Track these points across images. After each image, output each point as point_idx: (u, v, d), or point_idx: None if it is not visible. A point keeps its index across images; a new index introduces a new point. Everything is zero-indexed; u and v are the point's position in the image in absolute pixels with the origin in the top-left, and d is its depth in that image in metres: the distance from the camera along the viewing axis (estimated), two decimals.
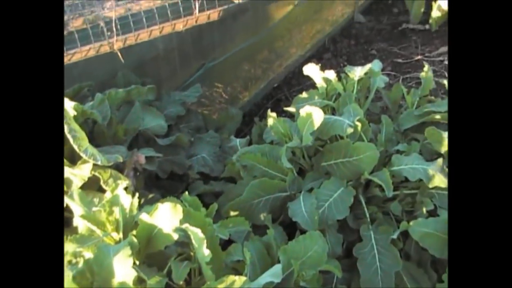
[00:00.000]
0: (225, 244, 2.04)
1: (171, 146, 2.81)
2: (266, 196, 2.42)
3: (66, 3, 3.02)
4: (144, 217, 1.79)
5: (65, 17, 2.96)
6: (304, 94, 3.03)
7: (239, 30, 3.72)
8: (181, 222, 1.77)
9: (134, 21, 2.93)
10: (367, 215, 2.37)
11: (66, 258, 1.75)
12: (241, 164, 2.58)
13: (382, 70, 4.45)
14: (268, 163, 2.53)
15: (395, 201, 2.42)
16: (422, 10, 5.09)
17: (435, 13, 4.86)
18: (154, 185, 2.69)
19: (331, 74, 2.95)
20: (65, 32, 2.85)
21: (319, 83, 2.98)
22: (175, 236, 1.77)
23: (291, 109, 2.99)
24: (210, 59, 3.57)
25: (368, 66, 2.95)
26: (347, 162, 2.42)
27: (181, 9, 3.09)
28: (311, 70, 3.03)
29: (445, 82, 3.15)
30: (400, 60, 4.75)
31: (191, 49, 3.44)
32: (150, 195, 2.47)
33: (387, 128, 2.73)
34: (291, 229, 2.37)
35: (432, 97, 3.13)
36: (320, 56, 4.74)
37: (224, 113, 3.53)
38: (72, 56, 2.79)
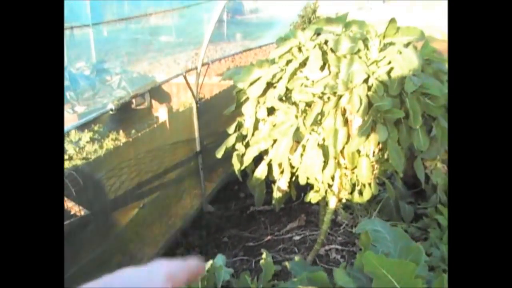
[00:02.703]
0: None
1: None
2: None
3: None
4: None
5: None
6: None
7: (88, 240, 3.76)
8: None
9: None
10: None
11: None
12: None
13: (235, 256, 4.64)
14: None
15: None
16: (264, 191, 5.45)
17: (276, 194, 5.23)
18: None
19: None
20: None
21: None
22: None
23: None
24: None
25: (209, 263, 3.09)
26: None
27: None
28: None
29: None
30: (251, 243, 4.96)
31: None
32: None
33: None
34: None
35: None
36: (173, 252, 4.85)
37: None
38: None
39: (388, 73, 3.23)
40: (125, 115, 5.12)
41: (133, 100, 7.50)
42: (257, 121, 3.95)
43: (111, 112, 3.86)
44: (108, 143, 5.37)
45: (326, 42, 3.49)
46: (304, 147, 3.56)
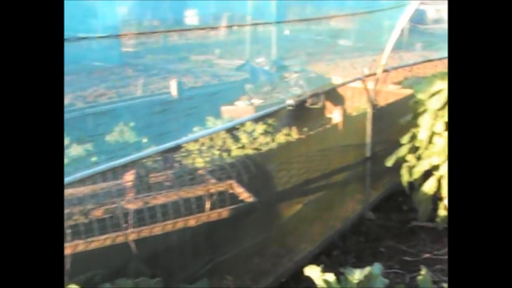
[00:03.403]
0: None
1: None
2: None
3: (89, 193, 3.30)
4: None
5: (89, 207, 3.23)
6: None
7: (250, 227, 3.93)
8: None
9: (150, 215, 3.16)
10: None
11: None
12: None
13: (390, 268, 4.55)
14: None
15: None
16: (430, 207, 5.27)
17: (442, 212, 5.04)
18: None
19: (330, 277, 3.07)
20: (86, 221, 3.09)
21: (320, 284, 3.09)
22: None
23: None
24: (221, 253, 3.75)
25: (367, 269, 3.07)
26: None
27: (194, 206, 3.33)
28: (312, 272, 3.16)
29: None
30: (408, 258, 4.84)
31: (203, 243, 3.64)
32: None
33: None
34: None
35: None
36: (329, 253, 4.87)
37: None
38: (89, 244, 2.99)
39: None
40: (299, 112, 5.23)
41: (308, 100, 7.63)
42: (432, 134, 3.84)
43: (289, 108, 3.98)
44: (280, 138, 5.52)
45: None
46: None
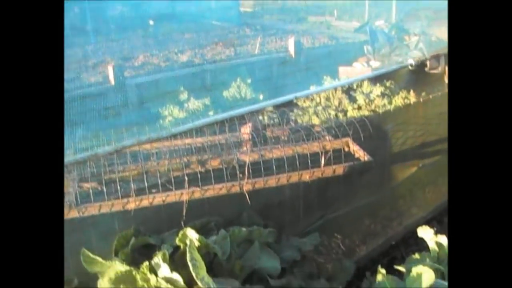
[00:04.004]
0: None
1: None
2: None
3: (207, 143, 3.42)
4: None
5: (205, 156, 3.35)
6: (417, 255, 3.09)
7: (363, 186, 3.91)
8: None
9: (264, 167, 3.22)
10: None
11: None
12: None
13: None
14: None
15: None
16: None
17: None
18: None
19: (443, 239, 3.00)
20: (203, 170, 3.22)
21: (432, 246, 3.04)
22: None
23: (402, 268, 3.05)
24: (332, 210, 3.78)
25: None
26: None
27: (309, 161, 3.36)
28: (425, 233, 3.11)
29: None
30: None
31: (316, 199, 3.67)
32: None
33: None
34: None
35: None
36: (440, 219, 4.75)
37: (338, 264, 3.64)
38: (206, 191, 3.11)
39: None
40: (418, 76, 5.07)
41: (428, 63, 7.37)
42: None
43: (410, 68, 3.87)
44: (397, 100, 5.39)
45: None
46: None
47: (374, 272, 3.82)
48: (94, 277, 2.66)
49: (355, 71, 7.07)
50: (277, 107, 3.95)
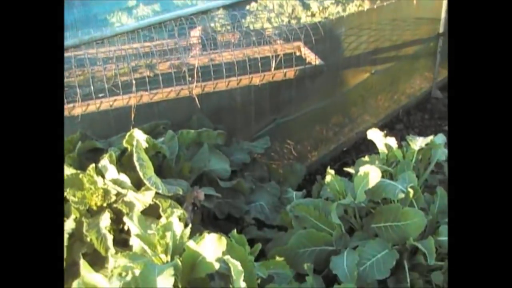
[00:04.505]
0: (265, 284, 2.16)
1: (232, 189, 2.97)
2: (312, 247, 2.52)
3: (156, 48, 3.31)
4: (191, 244, 1.94)
5: (154, 60, 3.25)
6: (366, 158, 3.13)
7: (314, 91, 3.89)
8: (224, 254, 1.91)
9: (214, 71, 3.15)
10: (408, 281, 2.41)
11: (117, 271, 1.92)
12: (294, 214, 2.69)
13: None
14: (319, 216, 2.63)
15: (438, 271, 2.45)
16: None
17: None
18: (210, 223, 2.84)
19: (392, 142, 3.03)
20: (151, 74, 3.13)
21: (381, 149, 3.07)
22: (217, 266, 1.90)
23: (351, 170, 3.09)
24: (283, 115, 3.76)
25: (429, 138, 3.01)
26: (395, 226, 2.48)
27: (259, 64, 3.29)
28: (375, 135, 3.14)
29: None
30: None
31: (267, 104, 3.64)
32: (205, 232, 2.63)
33: (441, 200, 2.76)
34: (332, 283, 2.43)
35: None
36: (392, 126, 4.82)
37: (288, 168, 3.67)
38: (154, 95, 3.03)
39: None
40: None
41: None
42: None
43: None
44: (352, 8, 5.30)
45: None
46: None
47: (325, 177, 3.90)
48: None
49: None
50: (227, 9, 3.84)
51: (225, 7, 3.91)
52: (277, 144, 3.81)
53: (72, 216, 2.43)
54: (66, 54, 2.99)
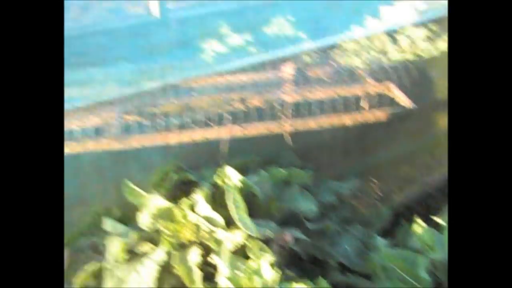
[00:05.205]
0: None
1: (318, 231, 2.96)
2: None
3: (245, 81, 3.36)
4: None
5: (246, 94, 3.30)
6: None
7: (404, 133, 3.84)
8: None
9: (306, 109, 3.16)
10: None
11: None
12: (381, 263, 2.65)
13: None
14: (407, 269, 2.57)
15: None
16: None
17: None
18: (294, 264, 2.84)
19: None
20: (243, 107, 3.18)
21: None
22: None
23: (439, 220, 3.01)
24: (371, 156, 3.73)
25: None
26: None
27: (350, 103, 3.28)
28: None
29: None
30: None
31: (355, 144, 3.63)
32: (290, 273, 2.63)
33: None
34: None
35: None
36: None
37: (374, 210, 3.62)
38: (246, 130, 3.08)
39: None
40: None
41: None
42: None
43: None
44: (443, 45, 5.21)
45: None
46: None
47: (410, 220, 3.81)
48: (133, 209, 2.70)
49: (397, 10, 6.83)
50: (318, 48, 3.85)
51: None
52: (363, 184, 3.78)
53: (164, 248, 2.49)
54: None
